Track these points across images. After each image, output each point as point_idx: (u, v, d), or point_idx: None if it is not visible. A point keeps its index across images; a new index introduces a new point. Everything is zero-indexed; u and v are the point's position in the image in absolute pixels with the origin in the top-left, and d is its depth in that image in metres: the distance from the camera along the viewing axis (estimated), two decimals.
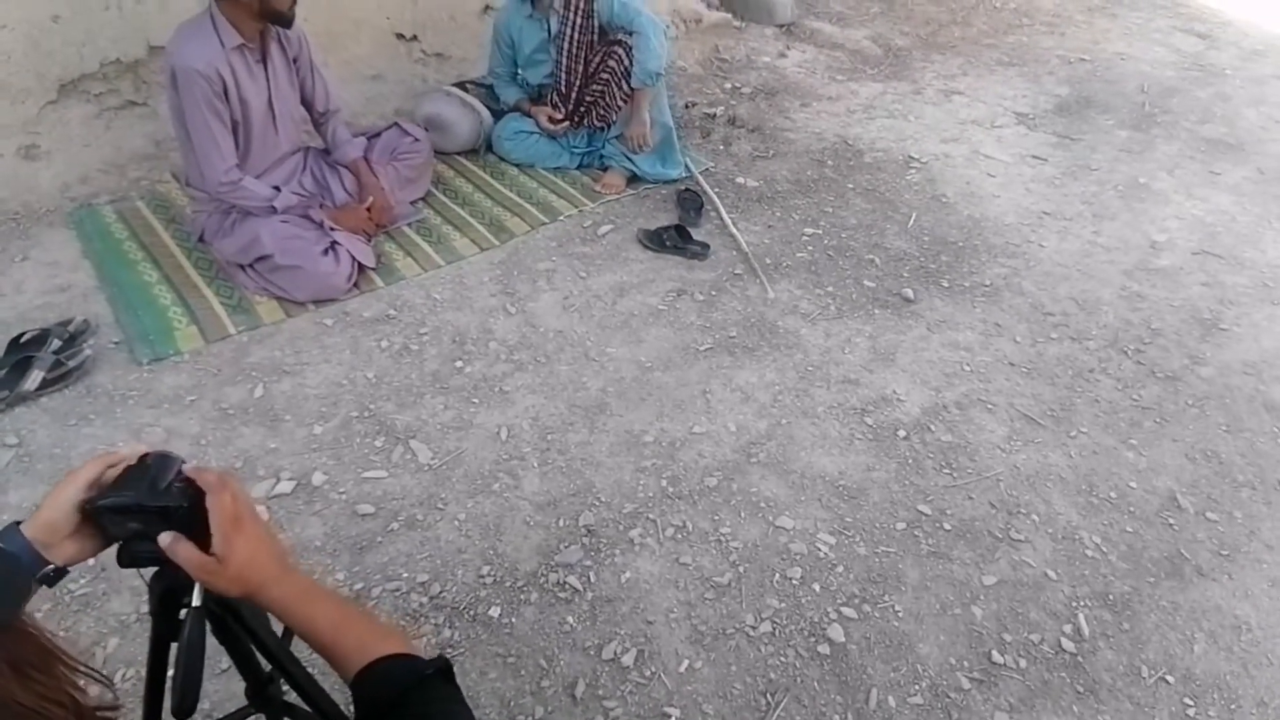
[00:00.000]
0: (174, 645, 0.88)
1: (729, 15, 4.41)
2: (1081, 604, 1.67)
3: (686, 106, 3.46)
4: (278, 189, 2.25)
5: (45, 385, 1.85)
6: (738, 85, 3.80)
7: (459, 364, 2.14)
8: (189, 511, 0.91)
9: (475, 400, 2.03)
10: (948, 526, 1.79)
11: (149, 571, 0.90)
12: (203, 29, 2.02)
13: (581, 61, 2.81)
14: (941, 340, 2.36)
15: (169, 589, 0.93)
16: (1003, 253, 2.77)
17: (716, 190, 2.96)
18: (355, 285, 2.31)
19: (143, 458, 0.94)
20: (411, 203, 2.68)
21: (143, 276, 2.25)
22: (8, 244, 2.32)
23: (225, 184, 2.13)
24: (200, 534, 0.92)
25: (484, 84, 3.13)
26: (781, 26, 4.45)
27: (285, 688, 1.04)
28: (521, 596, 1.59)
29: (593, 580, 1.63)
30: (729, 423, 2.03)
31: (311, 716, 1.24)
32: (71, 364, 1.90)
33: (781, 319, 2.39)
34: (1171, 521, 1.87)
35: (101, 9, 2.50)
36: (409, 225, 2.61)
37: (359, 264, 2.33)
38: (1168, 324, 2.48)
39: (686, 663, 1.50)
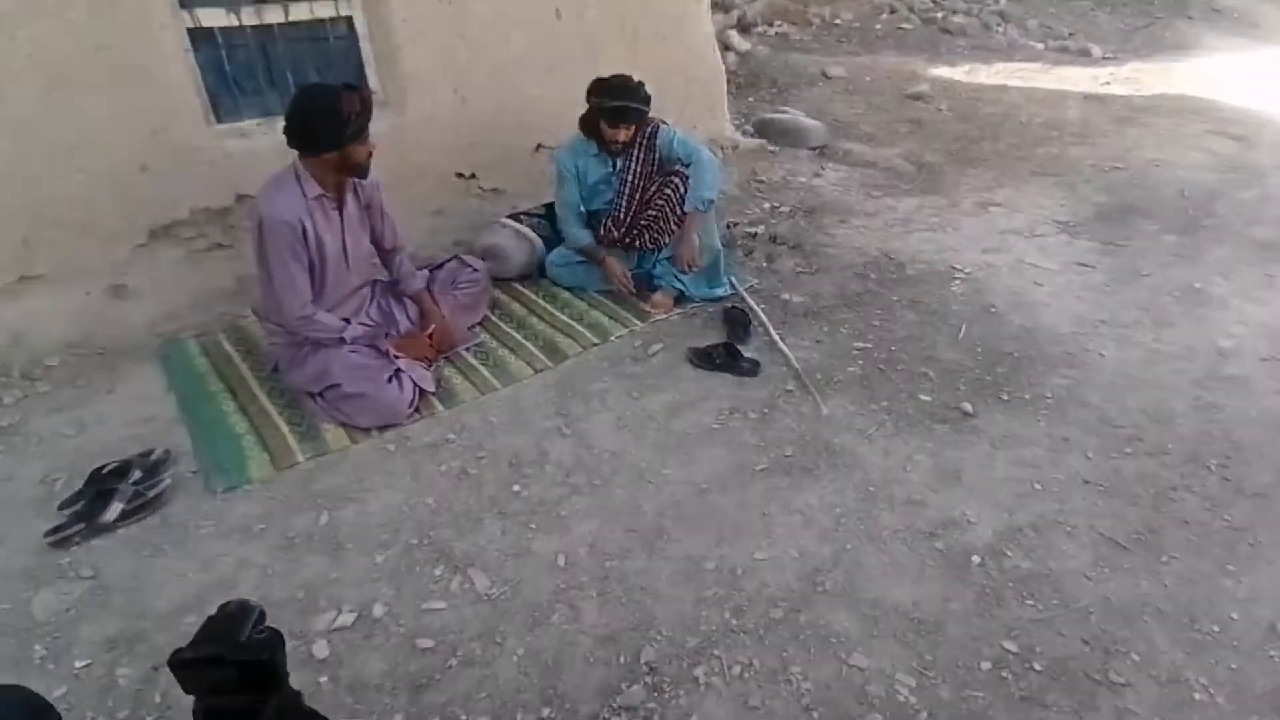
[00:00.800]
0: None
1: (764, 141, 4.66)
2: None
3: (729, 226, 3.60)
4: (347, 321, 2.38)
5: (124, 516, 1.92)
6: (776, 205, 3.95)
7: (516, 488, 2.15)
8: (271, 663, 0.91)
9: (533, 525, 2.03)
10: (1038, 667, 1.67)
11: None
12: (288, 181, 2.22)
13: (639, 190, 2.99)
14: (1008, 457, 2.29)
15: None
16: (1062, 362, 2.72)
17: (763, 307, 3.02)
18: (417, 410, 2.38)
19: (221, 608, 0.96)
20: (470, 328, 2.80)
21: (220, 407, 2.36)
22: (94, 378, 2.48)
23: (300, 319, 2.26)
24: (281, 680, 0.92)
25: (536, 214, 3.32)
26: (814, 149, 4.68)
27: None
28: None
29: None
30: (791, 548, 1.97)
31: None
32: (150, 494, 1.97)
33: (837, 436, 2.36)
34: (1273, 654, 1.72)
35: (191, 163, 2.77)
36: (467, 350, 2.71)
37: (421, 390, 2.41)
38: (1249, 436, 2.37)
39: None
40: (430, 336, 2.57)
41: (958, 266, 3.36)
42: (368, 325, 2.47)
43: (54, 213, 2.58)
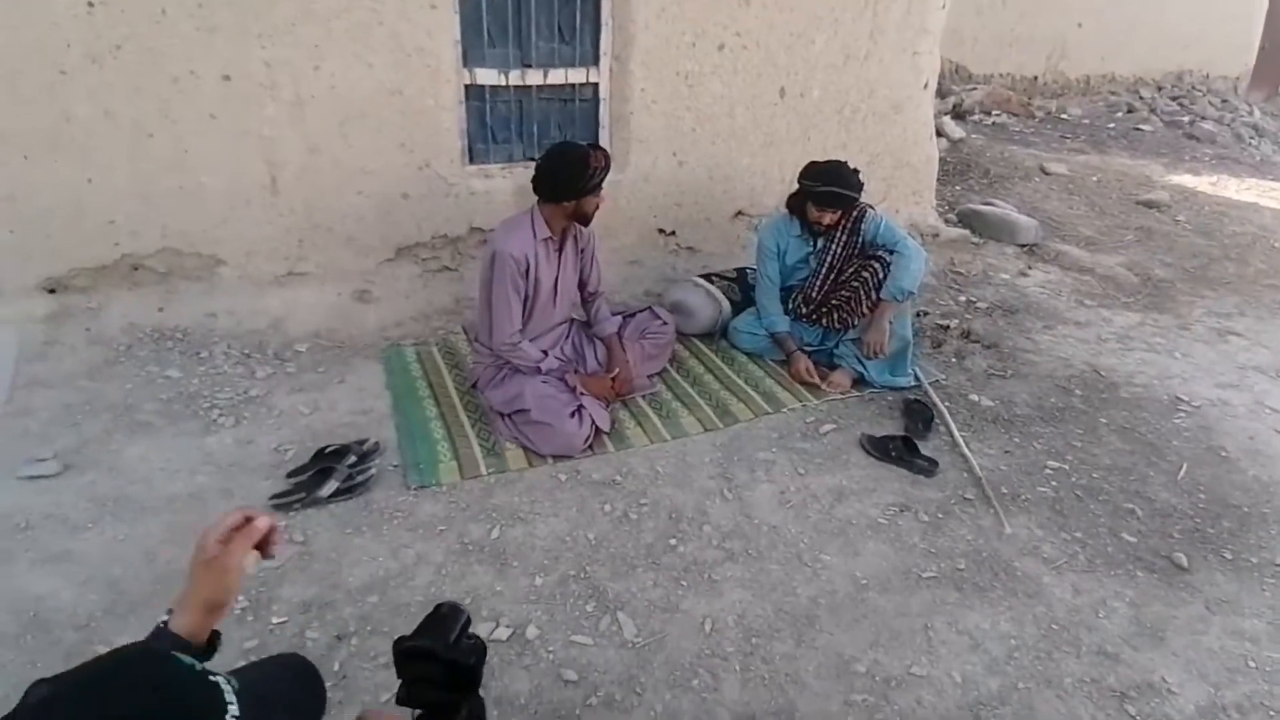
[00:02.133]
0: None
1: (967, 232, 4.49)
2: None
3: (919, 315, 3.47)
4: (545, 353, 2.58)
5: (336, 494, 2.18)
6: (973, 299, 3.77)
7: (673, 541, 2.18)
8: (469, 671, 1.00)
9: (684, 583, 2.04)
10: None
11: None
12: (524, 222, 2.48)
13: (836, 270, 3.00)
14: (1224, 626, 1.99)
15: None
16: None
17: (947, 405, 2.88)
18: (590, 447, 2.51)
19: (438, 608, 1.06)
20: (650, 376, 2.91)
21: (425, 411, 2.63)
22: (331, 367, 2.85)
23: (507, 345, 2.48)
24: (477, 685, 1.00)
25: (727, 276, 3.41)
26: (1023, 246, 4.42)
27: None
28: None
29: None
30: (954, 671, 1.83)
31: None
32: (360, 479, 2.23)
33: (1019, 560, 2.17)
34: None
35: (442, 195, 3.16)
36: (644, 397, 2.82)
37: (597, 428, 2.53)
38: None
39: None
40: (614, 379, 2.71)
41: (1183, 397, 3.01)
42: (561, 360, 2.65)
43: (328, 222, 3.05)
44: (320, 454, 2.31)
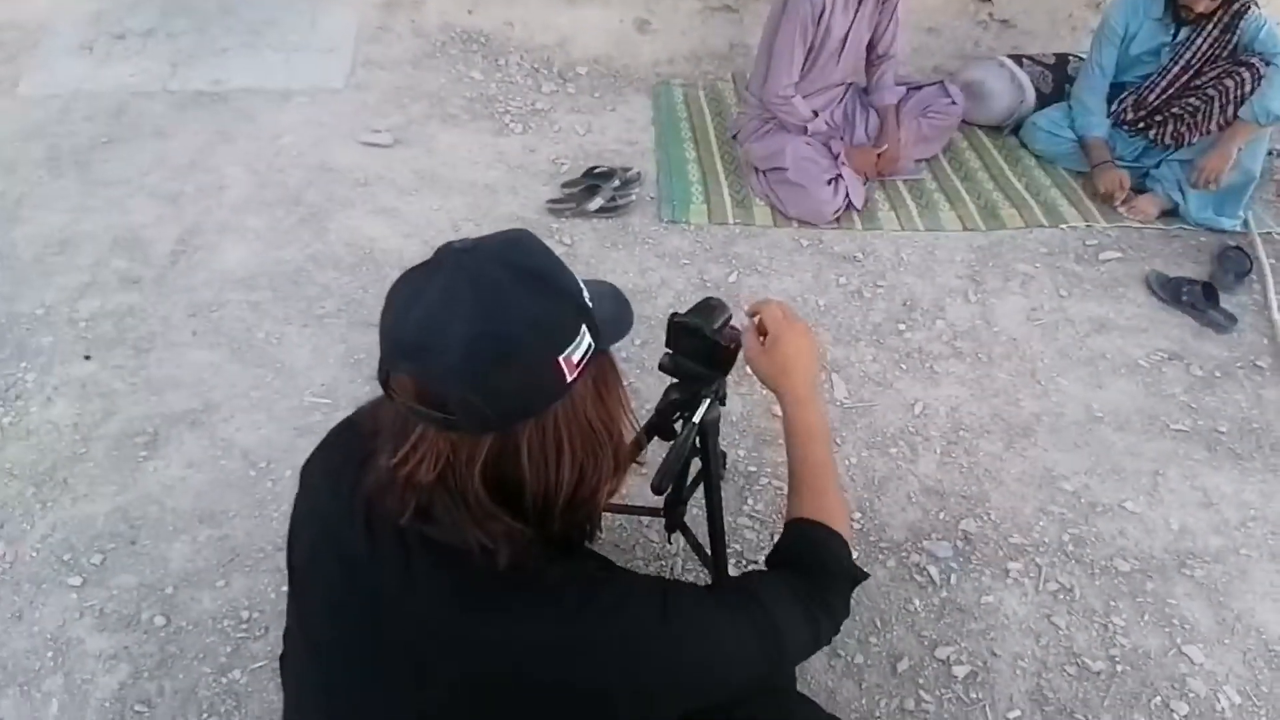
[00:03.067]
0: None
1: None
2: None
3: (1271, 153, 2.79)
4: (816, 114, 2.46)
5: (601, 210, 2.40)
6: None
7: (901, 327, 2.18)
8: (725, 353, 1.14)
9: (904, 366, 2.07)
10: None
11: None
12: None
13: (1192, 73, 2.44)
14: None
15: (675, 402, 1.19)
16: None
17: (1273, 261, 2.40)
18: (838, 220, 2.47)
19: (708, 299, 1.19)
20: (917, 161, 2.70)
21: (685, 152, 2.71)
22: (605, 94, 2.97)
23: (780, 97, 2.40)
24: (726, 370, 1.15)
25: (1042, 62, 2.91)
26: None
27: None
28: (879, 557, 1.66)
29: (953, 582, 1.62)
30: (1172, 518, 1.75)
31: (697, 545, 1.51)
32: (621, 202, 2.42)
33: None
34: None
35: None
36: (905, 181, 2.65)
37: (850, 202, 2.46)
38: None
39: (1018, 714, 1.43)
40: (880, 155, 2.55)
41: None
42: (830, 125, 2.53)
43: None
44: (590, 172, 2.51)
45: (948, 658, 1.50)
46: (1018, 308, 2.25)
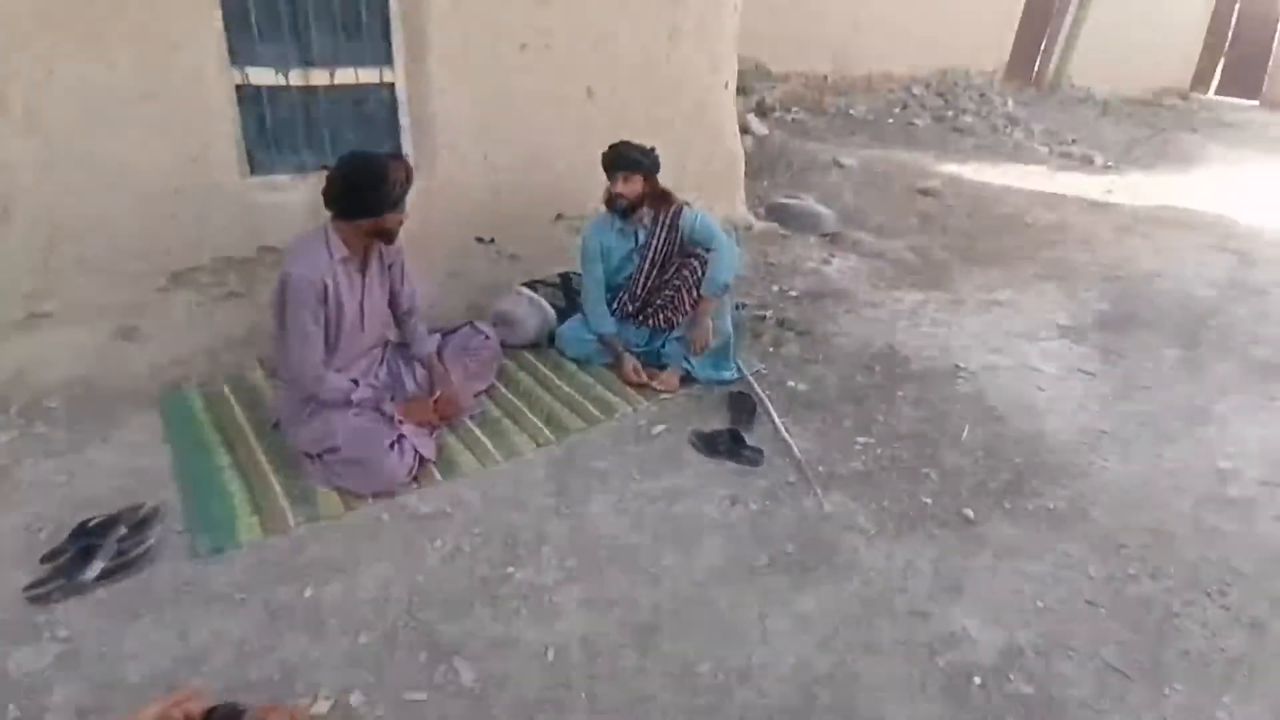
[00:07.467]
0: None
1: (776, 224, 4.77)
2: None
3: (738, 307, 3.62)
4: (356, 383, 2.37)
5: (105, 575, 1.86)
6: (786, 288, 4.01)
7: (510, 569, 2.09)
8: None
9: (523, 613, 1.97)
10: None
11: None
12: (316, 242, 2.24)
13: (658, 268, 3.04)
14: (1011, 569, 2.26)
15: None
16: (1064, 474, 2.71)
17: (768, 393, 3.02)
18: (415, 479, 2.35)
19: (209, 712, 0.92)
20: (475, 395, 2.78)
21: (215, 462, 2.33)
22: (92, 423, 2.44)
23: (311, 379, 2.25)
24: None
25: (551, 282, 3.35)
26: (825, 235, 4.78)
27: None
28: None
29: None
30: (789, 655, 1.91)
31: None
32: (134, 553, 1.92)
33: (839, 536, 2.33)
34: None
35: (220, 211, 2.81)
36: (471, 418, 2.69)
37: (421, 458, 2.38)
38: (1247, 563, 2.35)
39: None
40: (436, 402, 2.55)
41: (962, 365, 3.39)
42: (375, 387, 2.45)
43: (76, 251, 2.59)
44: (81, 529, 1.96)
45: None
46: (606, 505, 2.37)
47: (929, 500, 2.52)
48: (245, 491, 2.22)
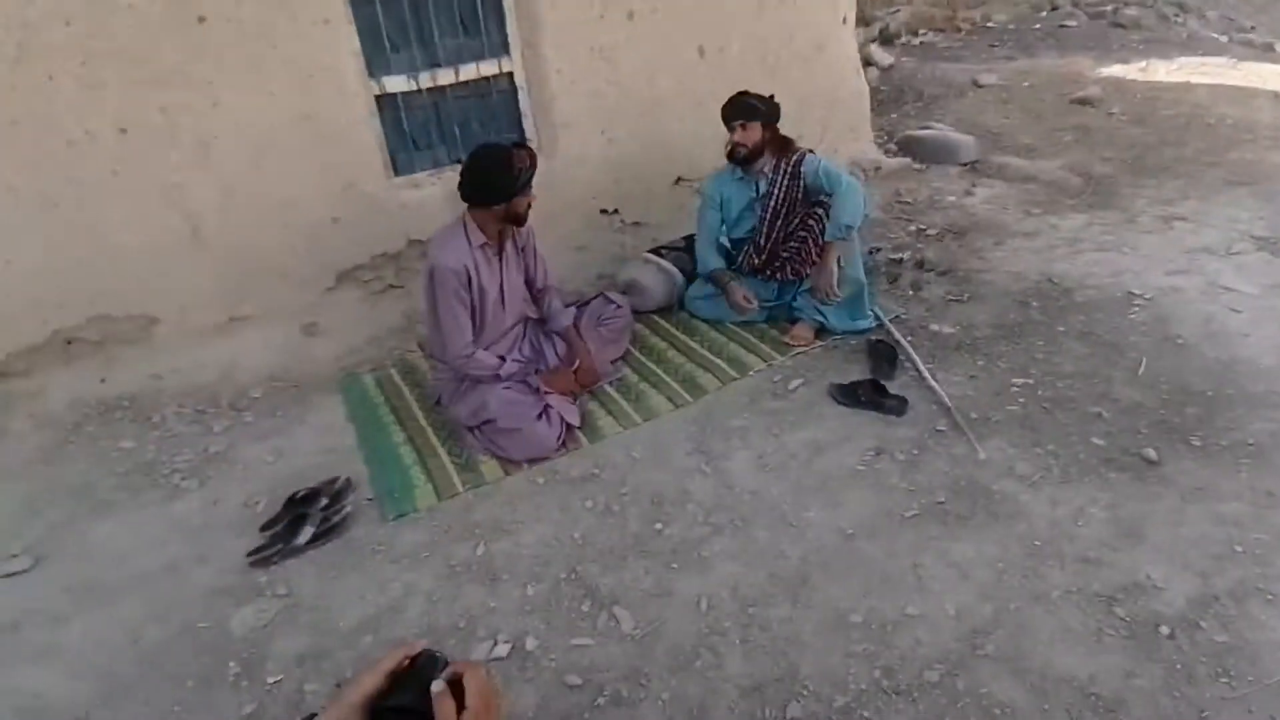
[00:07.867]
0: None
1: (909, 159, 4.47)
2: None
3: (871, 252, 3.47)
4: (503, 359, 2.54)
5: (314, 539, 2.15)
6: (923, 227, 3.77)
7: (658, 526, 2.18)
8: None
9: (675, 565, 2.05)
10: None
11: None
12: (456, 232, 2.41)
13: (782, 218, 2.98)
14: (1201, 512, 2.04)
15: None
16: (1265, 403, 2.39)
17: (910, 339, 2.89)
18: (563, 445, 2.49)
19: (414, 658, 1.05)
20: (613, 362, 2.89)
21: (392, 438, 2.59)
22: (290, 409, 2.79)
23: (462, 358, 2.44)
24: None
25: (676, 247, 3.38)
26: (965, 165, 4.42)
27: None
28: None
29: None
30: (947, 604, 1.86)
31: None
32: (335, 520, 2.20)
33: (996, 483, 2.21)
34: None
35: (372, 213, 3.08)
36: (611, 384, 2.80)
37: (567, 424, 2.52)
38: None
39: None
40: (576, 371, 2.68)
41: (1136, 291, 3.05)
42: (520, 361, 2.62)
43: (260, 261, 2.96)
44: (291, 501, 2.27)
45: None
46: (747, 461, 2.40)
47: (1101, 442, 2.32)
48: (419, 464, 2.47)
